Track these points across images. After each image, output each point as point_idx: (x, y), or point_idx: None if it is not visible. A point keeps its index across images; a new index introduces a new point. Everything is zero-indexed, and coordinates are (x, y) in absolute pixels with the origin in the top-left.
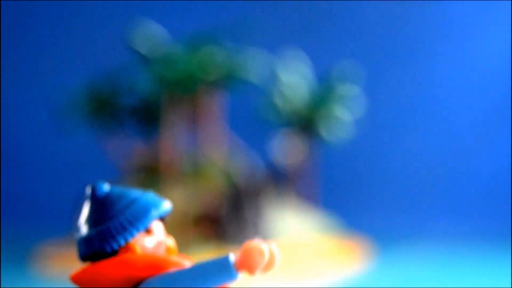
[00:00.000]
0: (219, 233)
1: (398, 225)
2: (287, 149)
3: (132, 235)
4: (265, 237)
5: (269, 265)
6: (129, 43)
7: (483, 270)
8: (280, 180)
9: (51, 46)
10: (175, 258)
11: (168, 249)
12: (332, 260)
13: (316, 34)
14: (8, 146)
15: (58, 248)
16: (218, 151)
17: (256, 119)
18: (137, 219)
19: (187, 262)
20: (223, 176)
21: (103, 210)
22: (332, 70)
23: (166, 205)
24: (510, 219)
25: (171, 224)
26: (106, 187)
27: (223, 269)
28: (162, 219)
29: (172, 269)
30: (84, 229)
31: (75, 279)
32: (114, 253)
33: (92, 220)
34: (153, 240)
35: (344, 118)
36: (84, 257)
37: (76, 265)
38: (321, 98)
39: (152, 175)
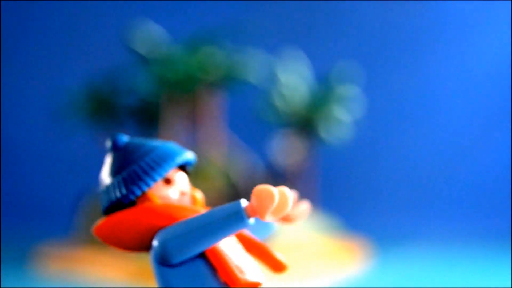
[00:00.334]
0: None
1: (397, 225)
2: (286, 150)
3: (147, 184)
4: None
5: (280, 208)
6: (129, 44)
7: (483, 270)
8: (280, 181)
9: (51, 46)
10: (194, 207)
11: (194, 201)
12: (332, 260)
13: (316, 34)
14: (8, 146)
15: (57, 248)
16: (217, 151)
17: (255, 119)
18: (153, 168)
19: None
20: (222, 176)
21: (121, 158)
22: (332, 71)
23: (186, 155)
24: (510, 219)
25: None
26: (125, 137)
27: (235, 213)
28: (186, 171)
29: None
30: (105, 180)
31: (97, 231)
32: (133, 203)
33: (112, 170)
34: (175, 190)
35: (343, 118)
36: (106, 211)
37: (76, 265)
38: (321, 98)
39: None
